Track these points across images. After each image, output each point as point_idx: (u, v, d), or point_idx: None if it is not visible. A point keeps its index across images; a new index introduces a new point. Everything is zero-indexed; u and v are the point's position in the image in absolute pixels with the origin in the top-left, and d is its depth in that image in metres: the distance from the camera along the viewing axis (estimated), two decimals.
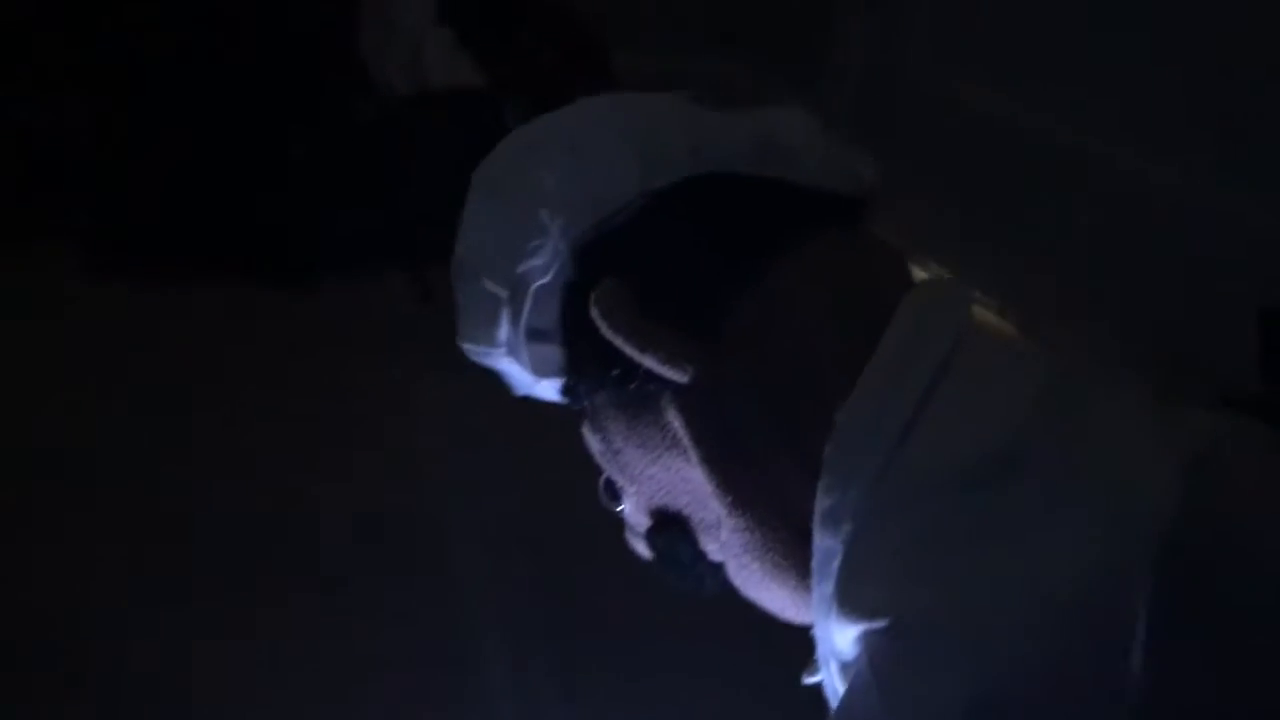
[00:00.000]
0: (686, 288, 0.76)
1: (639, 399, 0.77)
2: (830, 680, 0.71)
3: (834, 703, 0.73)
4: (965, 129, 2.73)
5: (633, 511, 0.84)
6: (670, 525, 0.81)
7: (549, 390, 0.86)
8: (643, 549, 0.86)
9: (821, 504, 0.68)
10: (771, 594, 0.78)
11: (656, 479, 0.79)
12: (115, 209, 2.85)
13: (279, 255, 2.83)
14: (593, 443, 0.84)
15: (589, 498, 2.21)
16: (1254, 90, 2.25)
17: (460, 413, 2.35)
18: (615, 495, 0.85)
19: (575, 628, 1.91)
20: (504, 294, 0.81)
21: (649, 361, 0.74)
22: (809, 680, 0.81)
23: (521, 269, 0.80)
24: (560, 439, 2.42)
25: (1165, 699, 0.57)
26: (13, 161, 2.82)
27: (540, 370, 0.83)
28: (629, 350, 0.75)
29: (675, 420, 0.76)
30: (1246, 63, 2.26)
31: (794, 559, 0.73)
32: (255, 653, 1.85)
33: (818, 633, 0.70)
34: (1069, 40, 2.58)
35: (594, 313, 0.75)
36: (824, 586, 0.68)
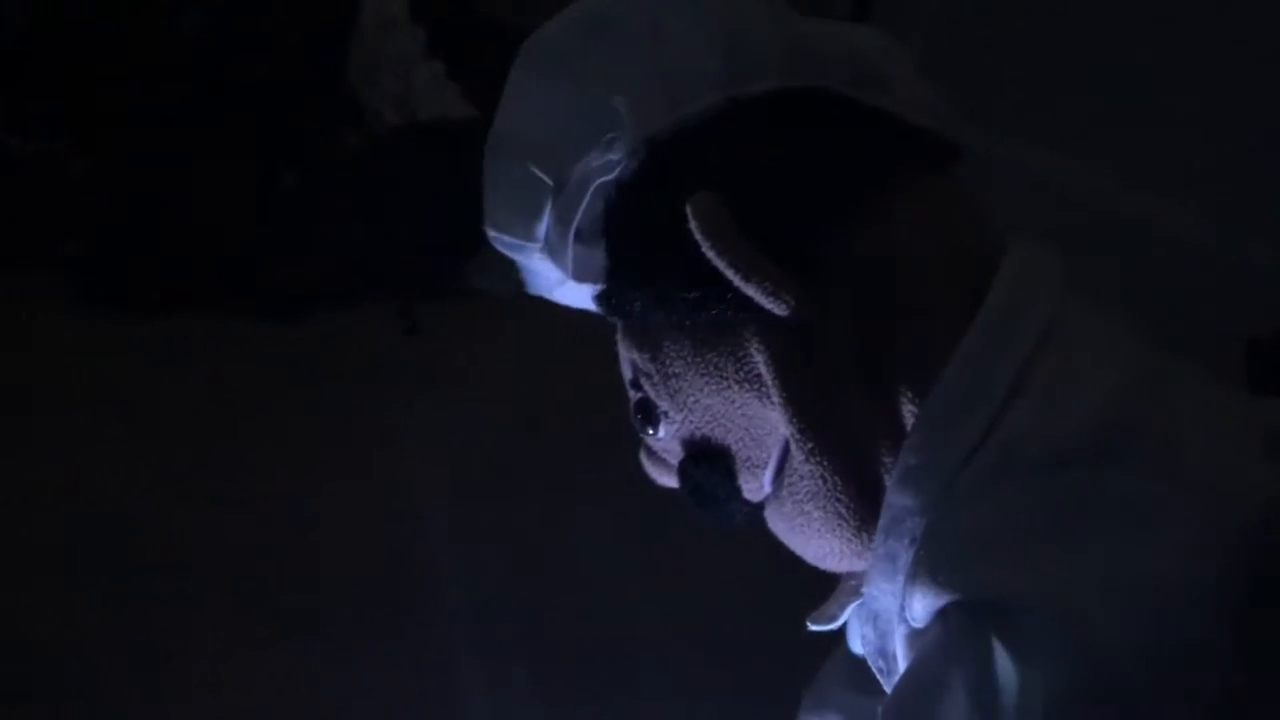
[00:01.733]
0: (777, 211, 0.69)
1: (713, 325, 0.70)
2: (873, 636, 0.70)
3: (863, 649, 0.72)
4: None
5: (667, 438, 0.77)
6: (709, 458, 0.75)
7: (577, 295, 0.78)
8: (664, 478, 0.79)
9: (906, 461, 0.65)
10: (822, 541, 0.72)
11: (712, 410, 0.73)
12: (106, 241, 2.84)
13: (267, 286, 2.83)
14: (635, 360, 0.75)
15: (577, 528, 2.20)
16: (1245, 125, 2.26)
17: (446, 443, 2.35)
18: (650, 418, 0.76)
19: (563, 658, 1.90)
20: (551, 184, 0.73)
21: (751, 290, 0.67)
22: (816, 627, 0.79)
23: (584, 162, 0.72)
24: (548, 468, 2.42)
25: (1258, 691, 0.57)
26: (5, 194, 2.82)
27: (582, 275, 0.75)
28: (731, 274, 0.67)
29: (759, 355, 0.69)
30: (1239, 98, 2.27)
31: (856, 511, 0.70)
32: (241, 684, 1.83)
33: (872, 589, 0.68)
34: (1058, 77, 2.59)
35: (695, 228, 0.67)
36: (892, 544, 0.65)
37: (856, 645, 0.81)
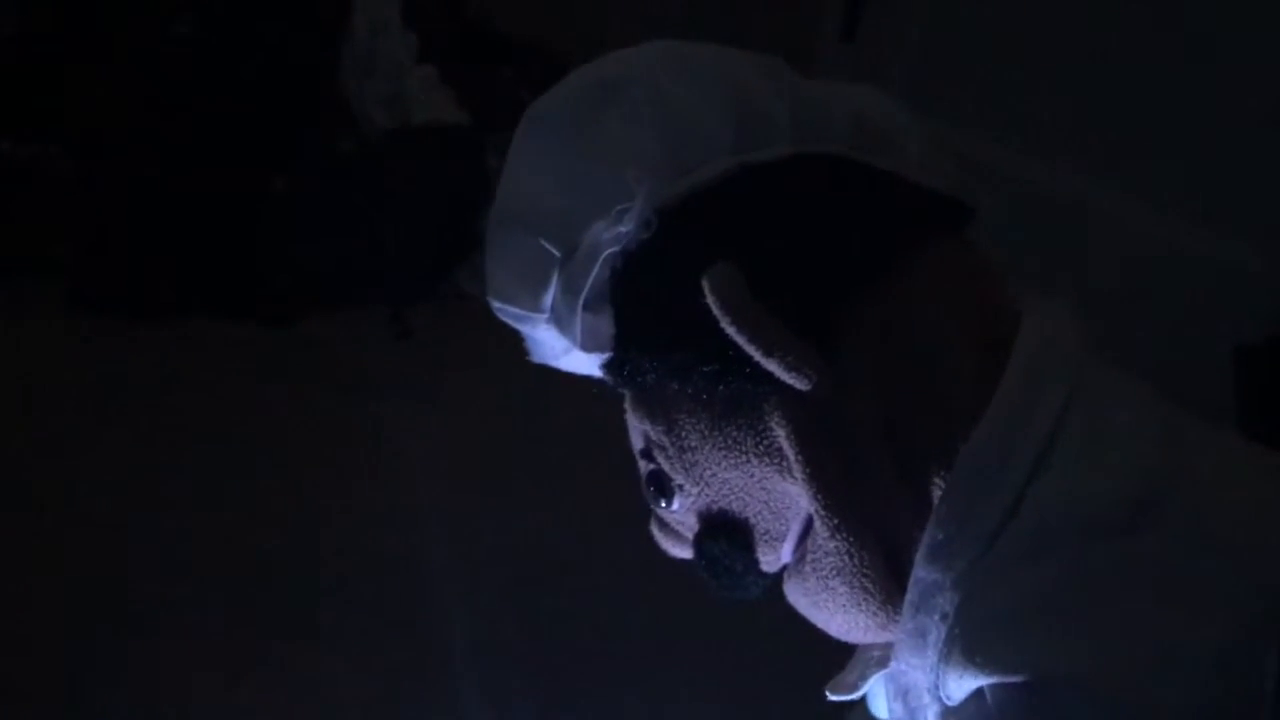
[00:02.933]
0: (794, 281, 0.67)
1: (731, 398, 0.68)
2: (902, 711, 0.68)
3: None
4: None
5: (682, 511, 0.75)
6: (727, 531, 0.73)
7: (583, 363, 0.76)
8: (677, 549, 0.78)
9: (933, 536, 0.63)
10: (847, 616, 0.70)
11: (730, 483, 0.71)
12: (98, 245, 2.84)
13: (260, 290, 2.83)
14: (647, 431, 0.73)
15: (573, 530, 2.20)
16: (1235, 134, 2.26)
17: (439, 446, 2.35)
18: (664, 491, 0.74)
19: (553, 662, 1.90)
20: (559, 255, 0.71)
21: (772, 365, 0.65)
22: (836, 697, 0.78)
23: (593, 233, 0.70)
24: (541, 471, 2.41)
25: None
26: (0, 199, 2.82)
27: (590, 345, 0.72)
28: (751, 350, 0.65)
29: (780, 429, 0.67)
30: (1230, 103, 2.28)
31: (882, 585, 0.68)
32: (240, 684, 1.83)
33: (900, 664, 0.66)
34: (1048, 82, 2.60)
35: (713, 302, 0.65)
36: (921, 620, 0.64)
37: (880, 710, 0.81)
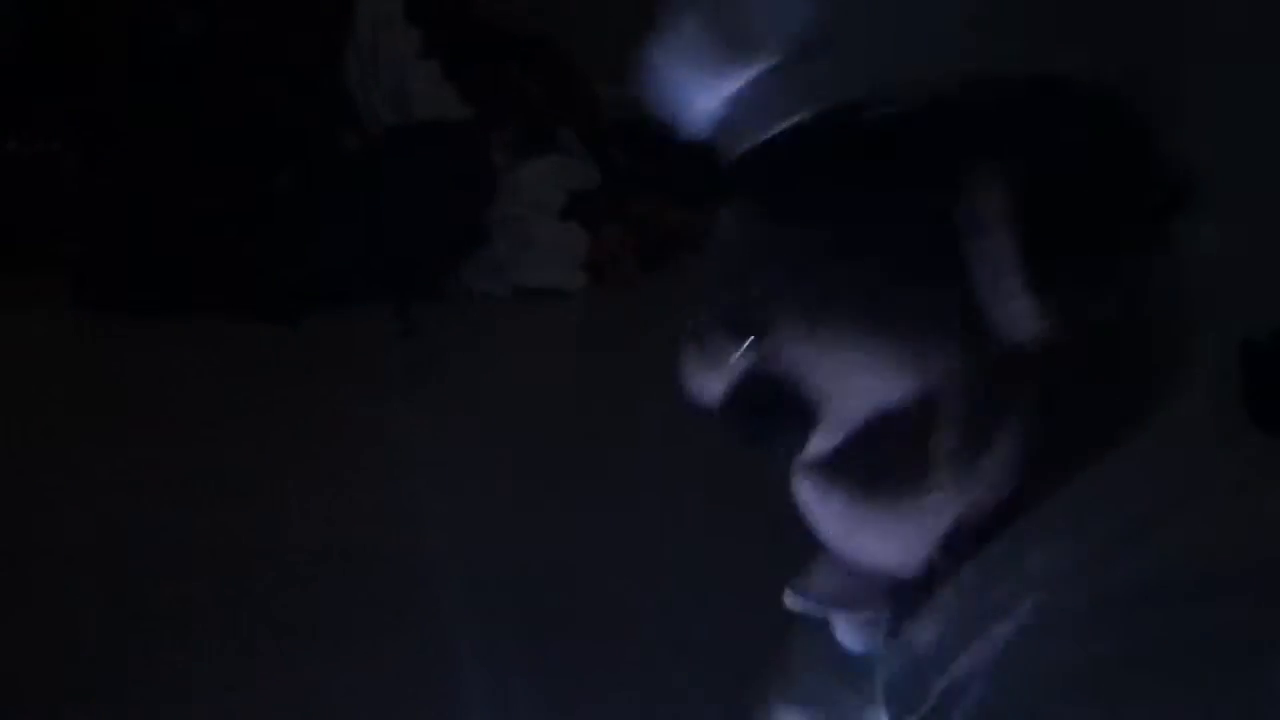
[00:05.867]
0: (1071, 223, 0.57)
1: (911, 308, 0.58)
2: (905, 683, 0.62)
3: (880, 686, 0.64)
4: None
5: (750, 360, 0.61)
6: (791, 410, 0.60)
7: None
8: (710, 384, 0.62)
9: (1011, 547, 0.57)
10: (877, 544, 0.62)
11: (844, 378, 0.58)
12: (103, 242, 2.84)
13: (265, 287, 2.83)
14: (770, 280, 0.60)
15: (575, 528, 2.19)
16: (1241, 126, 2.26)
17: (443, 444, 2.35)
18: (741, 334, 0.60)
19: (562, 660, 1.90)
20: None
21: (998, 297, 0.55)
22: (799, 606, 0.68)
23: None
24: (544, 468, 2.41)
25: None
26: (4, 195, 2.82)
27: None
28: (987, 274, 0.55)
29: (944, 362, 0.57)
30: (1235, 95, 2.27)
31: (933, 545, 0.60)
32: (240, 685, 1.83)
33: (923, 632, 0.60)
34: None
35: (981, 210, 0.55)
36: (982, 599, 0.58)
37: (849, 641, 0.74)
